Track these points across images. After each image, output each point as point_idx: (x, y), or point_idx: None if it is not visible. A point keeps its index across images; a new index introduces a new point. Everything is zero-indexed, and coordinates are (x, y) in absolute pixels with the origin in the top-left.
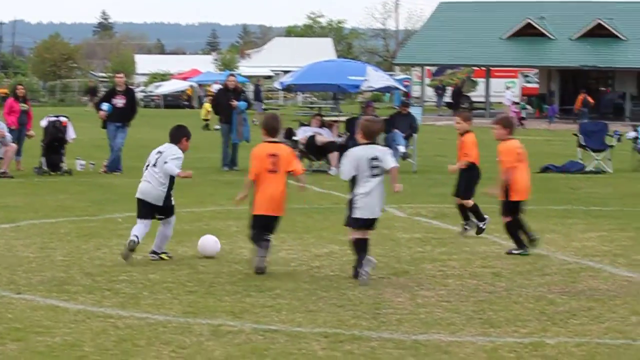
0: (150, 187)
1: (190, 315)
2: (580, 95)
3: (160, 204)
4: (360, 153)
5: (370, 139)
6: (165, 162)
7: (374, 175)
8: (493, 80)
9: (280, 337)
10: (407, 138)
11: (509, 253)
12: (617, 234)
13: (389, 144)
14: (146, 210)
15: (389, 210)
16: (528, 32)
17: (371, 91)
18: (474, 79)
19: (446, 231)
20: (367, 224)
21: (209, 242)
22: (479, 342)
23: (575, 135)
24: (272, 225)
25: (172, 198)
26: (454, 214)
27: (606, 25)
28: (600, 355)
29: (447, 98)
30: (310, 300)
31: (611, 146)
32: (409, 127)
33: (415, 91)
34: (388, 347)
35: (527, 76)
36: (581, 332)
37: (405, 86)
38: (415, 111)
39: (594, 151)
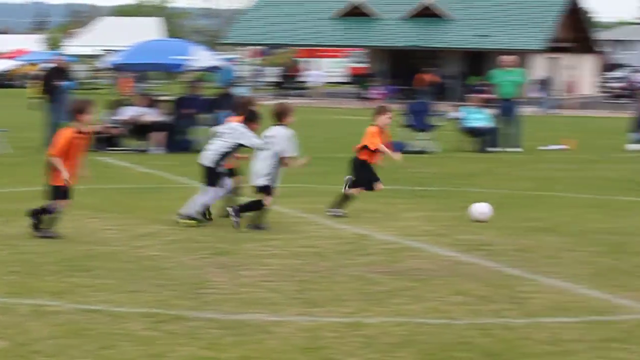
0: None
1: (11, 296)
2: (420, 74)
3: None
4: None
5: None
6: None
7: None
8: (321, 60)
9: (102, 317)
10: None
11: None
12: (440, 213)
13: (215, 124)
14: None
15: None
16: (356, 12)
17: (198, 70)
18: (301, 58)
19: (269, 211)
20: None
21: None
22: (301, 321)
23: (401, 115)
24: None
25: None
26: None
27: (433, 6)
28: (420, 335)
29: (274, 78)
30: (132, 280)
31: (436, 126)
32: (234, 107)
33: (244, 71)
34: (209, 326)
35: (354, 57)
36: (402, 312)
37: (234, 66)
38: (242, 91)
39: (419, 131)
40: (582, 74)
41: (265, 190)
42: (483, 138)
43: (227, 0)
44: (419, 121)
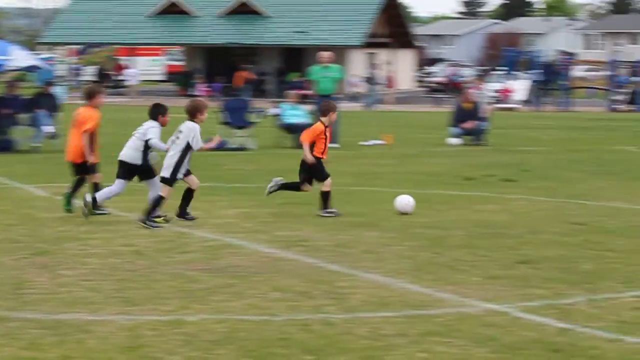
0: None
1: None
2: (238, 71)
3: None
4: None
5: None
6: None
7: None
8: (139, 59)
9: None
10: (52, 117)
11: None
12: (259, 210)
13: (34, 124)
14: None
15: (31, 190)
16: (173, 10)
17: (16, 70)
18: (116, 57)
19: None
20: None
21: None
22: (120, 320)
23: (218, 112)
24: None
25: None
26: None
27: (250, 3)
28: (241, 332)
29: (91, 77)
30: None
31: (254, 123)
32: (52, 106)
33: (61, 70)
34: (29, 327)
35: (171, 54)
36: (222, 309)
37: (50, 65)
38: (59, 90)
39: (237, 128)
40: (400, 69)
41: (166, 181)
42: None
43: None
44: (236, 118)
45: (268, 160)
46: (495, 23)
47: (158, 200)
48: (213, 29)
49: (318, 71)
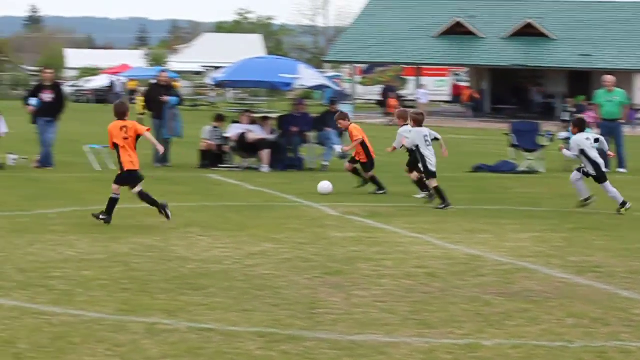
0: None
1: (124, 313)
2: (467, 90)
3: None
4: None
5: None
6: None
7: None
8: (424, 79)
9: (215, 336)
10: (340, 136)
11: None
12: (550, 234)
13: (323, 142)
14: None
15: (321, 208)
16: (458, 31)
17: (304, 88)
18: (403, 77)
19: (380, 230)
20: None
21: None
22: (415, 343)
23: (507, 134)
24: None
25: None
26: (387, 213)
27: (536, 25)
28: (537, 358)
29: (376, 96)
30: (245, 299)
31: (543, 146)
32: None
33: (346, 89)
34: (324, 347)
35: (457, 75)
36: (517, 334)
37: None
38: (345, 109)
39: (526, 151)
40: None
41: None
42: None
43: (331, 18)
44: (526, 141)
45: (557, 183)
46: None
47: None
48: (498, 50)
49: (603, 95)
